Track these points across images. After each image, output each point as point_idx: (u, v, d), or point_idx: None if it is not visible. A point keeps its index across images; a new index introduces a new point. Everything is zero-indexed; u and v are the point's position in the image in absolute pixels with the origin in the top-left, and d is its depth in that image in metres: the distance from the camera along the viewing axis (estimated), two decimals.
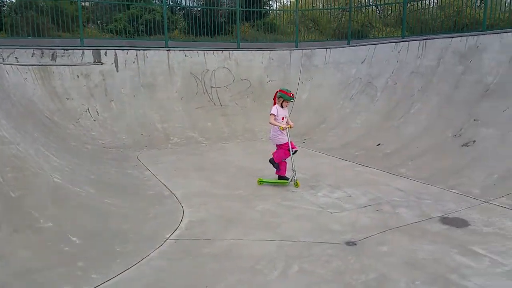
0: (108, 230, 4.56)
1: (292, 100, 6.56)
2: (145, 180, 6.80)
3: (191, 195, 6.04)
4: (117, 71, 10.97)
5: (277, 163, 6.58)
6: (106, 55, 10.91)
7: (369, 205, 5.55)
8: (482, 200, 5.64)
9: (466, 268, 3.79)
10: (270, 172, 7.09)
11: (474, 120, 7.56)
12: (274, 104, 6.60)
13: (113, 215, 4.97)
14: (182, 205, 5.60)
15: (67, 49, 10.51)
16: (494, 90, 7.70)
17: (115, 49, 11.10)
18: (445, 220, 4.98)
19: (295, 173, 6.42)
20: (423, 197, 5.84)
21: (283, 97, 6.46)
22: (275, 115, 6.48)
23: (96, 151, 8.52)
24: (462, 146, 7.26)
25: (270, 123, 6.51)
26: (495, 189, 5.90)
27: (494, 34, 8.34)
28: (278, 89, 6.65)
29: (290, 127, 6.54)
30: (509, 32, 8.08)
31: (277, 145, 6.64)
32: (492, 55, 8.12)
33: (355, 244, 4.35)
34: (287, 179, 6.54)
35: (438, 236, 4.52)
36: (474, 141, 7.17)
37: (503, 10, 11.96)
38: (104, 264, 3.85)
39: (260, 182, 6.59)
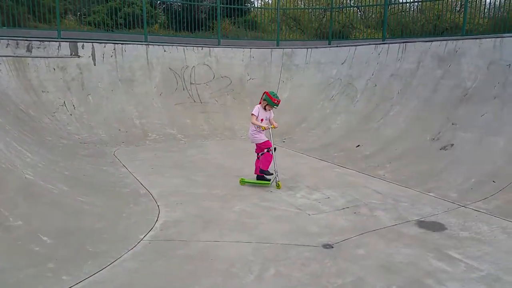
0: (81, 229, 4.41)
1: (275, 106, 6.45)
2: (121, 178, 6.63)
3: (167, 194, 5.92)
4: (95, 65, 10.71)
5: (266, 170, 6.43)
6: (83, 48, 10.64)
7: (347, 207, 5.54)
8: (459, 204, 5.70)
9: (442, 272, 3.80)
10: (250, 172, 7.03)
11: (452, 124, 7.66)
12: (260, 103, 6.51)
13: (87, 213, 4.82)
14: (158, 204, 5.48)
15: (43, 41, 10.20)
16: (472, 95, 7.81)
17: (92, 42, 10.83)
18: (421, 224, 5.00)
19: (277, 174, 6.36)
20: (400, 200, 5.86)
21: (267, 101, 6.38)
22: (256, 116, 6.40)
23: (71, 146, 8.30)
24: (440, 149, 7.35)
25: (252, 122, 6.43)
26: (472, 193, 5.97)
27: (473, 39, 8.47)
28: (265, 91, 6.53)
29: (274, 127, 6.47)
30: (488, 37, 8.21)
31: (256, 144, 6.55)
32: (470, 59, 8.24)
33: (332, 247, 4.32)
34: (267, 179, 6.47)
35: (415, 240, 4.53)
36: (452, 145, 7.26)
37: (482, 15, 12.18)
38: (75, 265, 3.72)
39: (242, 182, 6.51)
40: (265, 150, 6.42)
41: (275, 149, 6.47)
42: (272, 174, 6.39)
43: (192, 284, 3.50)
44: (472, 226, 4.92)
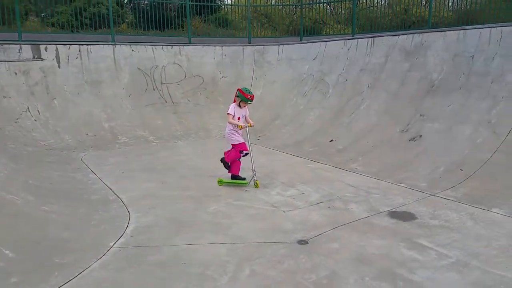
0: (46, 240, 4.24)
1: (249, 102, 6.36)
2: (89, 184, 6.44)
3: (138, 198, 5.79)
4: (59, 68, 10.40)
5: (228, 162, 6.45)
6: (46, 51, 10.30)
7: (321, 202, 5.57)
8: (429, 193, 5.81)
9: (413, 261, 3.86)
10: (225, 171, 6.97)
11: (421, 116, 7.81)
12: (234, 101, 6.43)
13: (53, 223, 4.63)
14: (129, 209, 5.34)
15: (2, 44, 9.81)
16: (439, 86, 7.99)
17: (56, 44, 10.49)
18: (393, 214, 5.08)
19: (254, 173, 6.31)
20: (372, 192, 5.94)
21: (241, 97, 6.30)
22: (232, 115, 6.31)
23: (37, 154, 8.03)
24: (409, 140, 7.48)
25: (229, 122, 6.33)
26: (441, 182, 6.11)
27: (438, 32, 8.65)
28: (238, 88, 6.45)
29: (250, 126, 6.41)
30: (453, 30, 8.41)
31: (232, 144, 6.47)
32: (436, 52, 8.43)
33: (307, 243, 4.32)
34: (242, 178, 6.43)
35: (387, 231, 4.59)
36: (421, 136, 7.41)
37: (447, 9, 12.47)
38: (40, 278, 3.56)
39: (220, 183, 6.44)
40: (240, 154, 6.37)
41: (246, 154, 6.41)
42: (244, 178, 6.40)
43: None
44: (441, 214, 5.03)
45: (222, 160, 6.55)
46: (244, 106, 6.42)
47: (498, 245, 4.16)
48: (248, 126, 6.38)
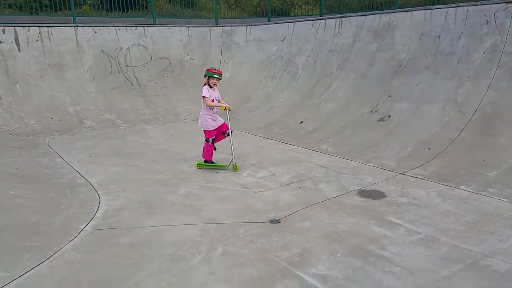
0: (15, 224, 4.09)
1: (216, 76, 6.16)
2: (56, 168, 6.26)
3: (108, 182, 5.67)
4: (19, 51, 9.95)
5: (211, 160, 6.36)
6: (4, 33, 9.82)
7: (292, 183, 5.60)
8: (397, 172, 5.94)
9: (383, 238, 3.95)
10: (195, 154, 6.91)
11: (389, 96, 7.94)
12: (204, 84, 6.23)
13: (20, 208, 4.48)
14: (98, 193, 5.23)
15: None
16: (406, 66, 8.12)
17: (14, 26, 10.00)
18: (363, 193, 5.17)
19: (234, 157, 6.24)
20: (342, 172, 6.02)
21: (206, 73, 6.16)
22: (208, 97, 6.11)
23: (1, 139, 7.71)
24: (378, 121, 7.61)
25: (207, 105, 6.10)
26: (409, 161, 6.26)
27: (405, 12, 8.74)
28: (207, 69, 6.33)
29: (229, 110, 6.27)
30: (419, 9, 8.51)
31: (205, 131, 6.27)
32: (403, 32, 8.53)
33: (279, 222, 4.35)
34: (213, 163, 6.37)
35: (357, 209, 4.67)
36: (389, 116, 7.54)
37: None
38: (11, 261, 3.46)
39: (199, 165, 6.34)
40: (224, 133, 6.30)
41: (231, 131, 6.36)
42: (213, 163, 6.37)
43: (137, 271, 3.38)
44: (410, 192, 5.15)
45: (205, 163, 6.37)
46: (215, 85, 6.25)
47: (465, 221, 4.28)
48: (228, 109, 6.22)
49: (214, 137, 6.30)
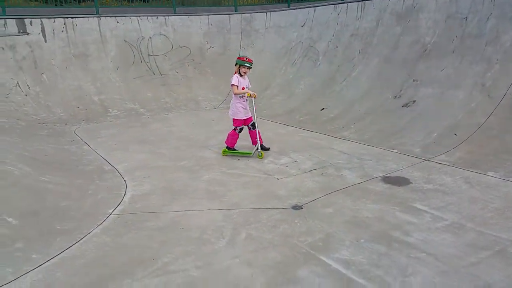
0: (46, 208, 4.27)
1: (247, 64, 6.18)
2: (84, 155, 6.43)
3: (133, 168, 5.79)
4: (45, 42, 10.16)
5: (233, 147, 6.39)
6: (31, 25, 10.03)
7: (314, 169, 5.59)
8: (423, 158, 5.85)
9: (408, 224, 3.91)
10: (216, 142, 6.98)
11: (414, 81, 7.78)
12: (235, 72, 6.26)
13: (51, 193, 4.66)
14: (125, 179, 5.36)
15: None
16: (431, 50, 7.90)
17: (41, 18, 10.21)
18: (387, 180, 5.12)
19: (259, 144, 6.26)
20: (365, 159, 5.97)
21: (237, 62, 6.20)
22: (236, 85, 6.16)
23: (30, 127, 7.96)
24: (402, 106, 7.48)
25: (235, 93, 6.16)
26: (435, 147, 6.13)
27: None
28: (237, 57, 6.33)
29: (255, 97, 6.27)
30: None
31: (234, 119, 6.32)
32: (428, 15, 8.28)
33: (302, 208, 4.37)
34: (236, 150, 6.42)
35: (381, 195, 4.63)
36: (414, 101, 7.40)
37: None
38: (44, 244, 3.62)
39: (225, 153, 6.40)
40: (249, 126, 6.33)
41: (255, 122, 6.38)
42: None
43: (164, 253, 3.47)
44: (436, 179, 5.07)
45: (229, 149, 6.41)
46: (245, 74, 6.27)
47: (493, 208, 4.18)
48: (254, 96, 6.23)
49: (242, 126, 6.32)
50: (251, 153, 6.30)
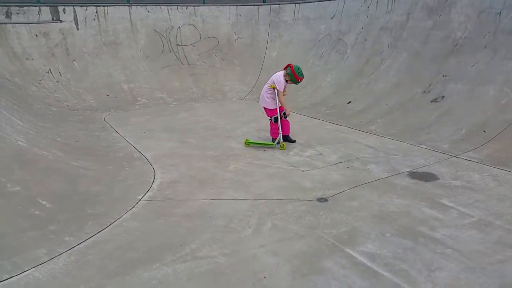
0: (78, 193, 4.43)
1: (296, 83, 6.31)
2: (113, 142, 6.61)
3: (162, 156, 5.93)
4: (78, 29, 10.40)
5: (276, 137, 6.46)
6: (64, 12, 10.28)
7: (340, 162, 5.60)
8: (450, 154, 5.78)
9: (435, 220, 3.90)
10: (242, 132, 7.04)
11: (443, 76, 7.65)
12: (285, 68, 6.23)
13: (83, 177, 4.82)
14: (153, 166, 5.49)
15: (22, 6, 9.81)
16: (463, 45, 7.74)
17: (74, 6, 10.44)
18: (414, 175, 5.09)
19: (281, 136, 6.32)
20: (392, 153, 5.94)
21: (290, 77, 6.18)
22: (282, 93, 6.28)
23: (61, 114, 8.20)
24: (431, 102, 7.37)
25: (281, 102, 6.27)
26: (463, 144, 6.05)
27: None
28: (290, 64, 6.25)
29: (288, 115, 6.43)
30: None
31: (266, 109, 6.48)
32: (461, 9, 8.10)
33: (327, 200, 4.40)
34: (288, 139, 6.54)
35: (407, 190, 4.62)
36: (443, 97, 7.29)
37: None
38: (76, 227, 3.77)
39: (247, 143, 6.48)
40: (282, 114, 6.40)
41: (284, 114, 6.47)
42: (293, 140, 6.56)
43: (193, 239, 3.58)
44: (463, 175, 5.02)
45: (285, 139, 6.48)
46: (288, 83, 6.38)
47: None
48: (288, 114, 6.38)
49: (277, 116, 6.34)
50: (274, 144, 6.36)
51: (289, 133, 6.58)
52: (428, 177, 5.01)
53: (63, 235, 3.62)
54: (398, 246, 3.43)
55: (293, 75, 6.16)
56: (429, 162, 5.51)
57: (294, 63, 6.34)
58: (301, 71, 6.20)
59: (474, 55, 7.41)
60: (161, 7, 11.68)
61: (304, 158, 5.83)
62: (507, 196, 4.40)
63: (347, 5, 10.99)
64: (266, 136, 6.73)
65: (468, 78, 7.19)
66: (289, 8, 12.49)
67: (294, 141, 6.57)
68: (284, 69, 6.29)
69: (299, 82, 6.31)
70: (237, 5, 12.67)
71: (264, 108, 6.54)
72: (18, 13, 9.71)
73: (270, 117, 6.44)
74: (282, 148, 6.24)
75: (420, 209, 4.14)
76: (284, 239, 3.59)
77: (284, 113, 6.38)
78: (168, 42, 11.52)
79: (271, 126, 6.51)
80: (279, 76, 6.25)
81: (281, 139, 6.32)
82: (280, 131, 6.32)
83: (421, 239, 3.54)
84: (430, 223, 3.83)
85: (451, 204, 4.23)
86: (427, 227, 3.76)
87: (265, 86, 6.45)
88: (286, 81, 6.30)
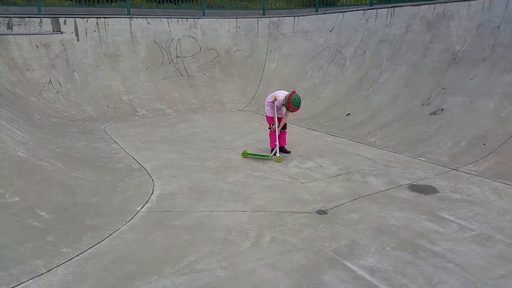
0: (77, 204, 4.41)
1: (289, 111, 6.31)
2: (113, 153, 6.60)
3: (161, 167, 5.91)
4: (78, 41, 10.46)
5: (281, 145, 6.52)
6: (65, 24, 10.35)
7: (339, 175, 5.59)
8: (450, 167, 5.77)
9: (435, 233, 3.88)
10: (241, 144, 7.04)
11: (442, 89, 7.67)
12: (293, 93, 6.23)
13: (81, 188, 4.81)
14: (152, 177, 5.48)
15: (23, 17, 9.88)
16: (461, 58, 7.78)
17: (74, 17, 10.53)
18: (413, 188, 5.08)
19: (278, 147, 6.32)
20: (392, 166, 5.92)
21: (285, 104, 6.23)
22: (276, 106, 6.36)
23: (61, 124, 8.20)
24: (430, 114, 7.38)
25: (283, 119, 6.43)
26: (463, 156, 6.05)
27: (461, 2, 8.34)
28: (294, 91, 6.35)
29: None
30: None
31: (268, 117, 6.56)
32: (459, 22, 8.17)
33: (326, 213, 4.38)
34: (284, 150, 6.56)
35: (407, 203, 4.60)
36: (442, 109, 7.30)
37: None
38: (74, 238, 3.75)
39: (244, 155, 6.48)
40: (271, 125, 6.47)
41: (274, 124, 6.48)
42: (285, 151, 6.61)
43: (191, 252, 3.55)
44: (463, 188, 5.00)
45: (281, 149, 6.51)
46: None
47: None
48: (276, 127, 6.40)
49: (274, 123, 6.38)
50: (269, 156, 6.35)
51: (285, 144, 6.63)
52: (428, 190, 4.99)
53: (61, 246, 3.59)
54: (398, 260, 3.40)
55: (287, 102, 6.15)
56: (429, 175, 5.50)
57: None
58: (297, 102, 6.16)
59: (473, 68, 7.45)
60: (161, 19, 11.79)
61: (304, 170, 5.82)
62: (508, 209, 4.37)
63: (346, 18, 11.07)
64: (265, 147, 6.73)
65: (467, 91, 7.21)
66: (288, 20, 12.59)
67: (289, 152, 6.57)
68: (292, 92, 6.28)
69: (290, 110, 6.26)
70: (236, 18, 12.78)
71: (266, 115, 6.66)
72: (19, 24, 9.78)
73: (269, 125, 6.49)
74: (278, 160, 6.24)
75: (420, 223, 4.11)
76: (283, 252, 3.56)
77: (273, 124, 6.40)
78: (168, 53, 11.58)
79: (270, 136, 6.55)
80: (281, 96, 6.29)
81: (278, 151, 6.31)
82: (277, 143, 6.31)
83: (422, 253, 3.51)
84: (430, 237, 3.81)
85: (451, 218, 4.21)
86: (427, 241, 3.73)
87: (270, 94, 6.52)
88: (283, 104, 6.32)
